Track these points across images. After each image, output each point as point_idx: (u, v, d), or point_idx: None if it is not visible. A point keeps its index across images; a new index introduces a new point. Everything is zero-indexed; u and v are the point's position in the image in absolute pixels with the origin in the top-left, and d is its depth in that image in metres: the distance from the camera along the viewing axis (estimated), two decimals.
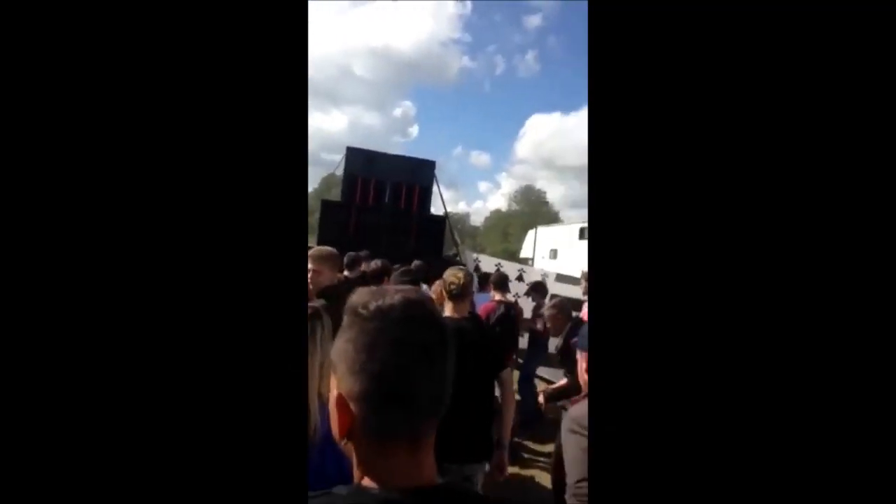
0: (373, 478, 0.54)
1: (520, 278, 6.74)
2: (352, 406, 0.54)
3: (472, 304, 2.80)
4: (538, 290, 5.04)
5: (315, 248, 2.46)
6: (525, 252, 17.41)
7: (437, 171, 8.61)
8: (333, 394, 0.56)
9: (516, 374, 4.17)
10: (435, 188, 8.57)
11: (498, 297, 3.95)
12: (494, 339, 2.41)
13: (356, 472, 0.56)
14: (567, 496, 1.34)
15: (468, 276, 2.95)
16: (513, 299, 4.67)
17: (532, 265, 11.74)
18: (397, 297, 0.56)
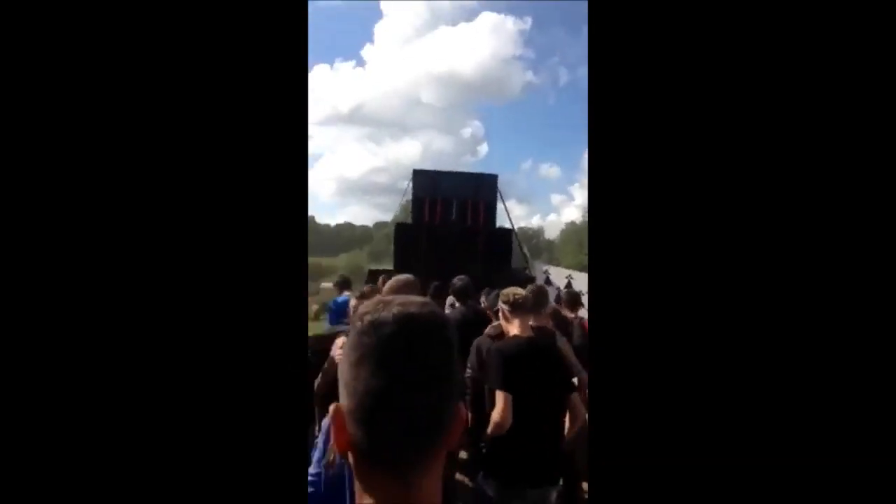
0: (367, 498, 0.52)
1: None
2: (346, 422, 0.52)
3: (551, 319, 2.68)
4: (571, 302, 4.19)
5: (394, 278, 2.32)
6: None
7: (506, 187, 8.63)
8: (332, 406, 0.55)
9: None
10: (499, 203, 8.59)
11: (570, 315, 3.73)
12: (557, 358, 2.26)
13: (356, 489, 0.54)
14: None
15: (538, 289, 2.86)
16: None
17: None
18: (393, 311, 0.53)
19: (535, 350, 2.07)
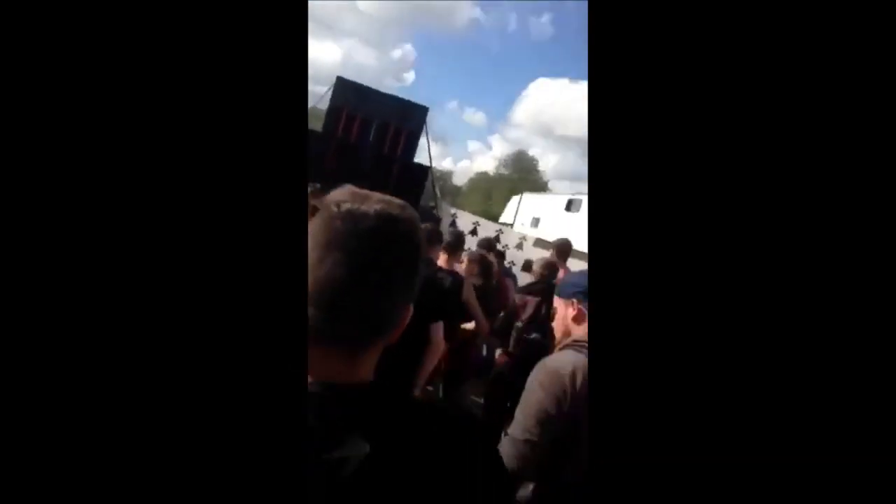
0: (311, 374, 0.55)
1: (497, 239, 6.57)
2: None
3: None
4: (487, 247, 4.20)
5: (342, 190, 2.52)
6: (506, 217, 17.33)
7: (427, 120, 8.19)
8: None
9: None
10: (423, 137, 8.16)
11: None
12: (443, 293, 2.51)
13: None
14: (504, 444, 1.20)
15: (456, 233, 3.02)
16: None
17: (512, 230, 11.64)
18: (376, 208, 0.55)
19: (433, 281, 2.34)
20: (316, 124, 8.13)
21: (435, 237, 2.63)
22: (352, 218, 0.53)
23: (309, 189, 3.69)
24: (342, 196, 0.55)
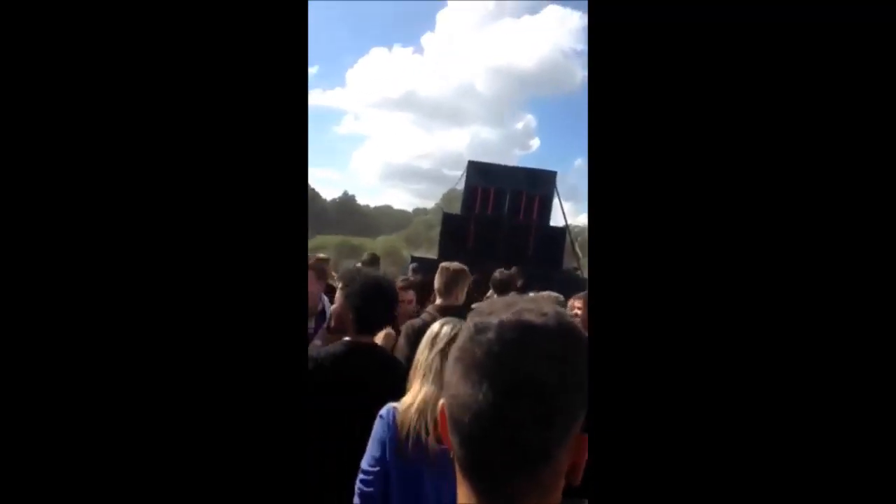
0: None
1: None
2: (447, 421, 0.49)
3: None
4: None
5: (446, 266, 2.30)
6: None
7: (557, 183, 8.34)
8: (441, 401, 0.50)
9: None
10: (555, 200, 8.29)
11: None
12: None
13: (458, 490, 0.49)
14: None
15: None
16: None
17: None
18: (503, 317, 0.46)
19: None
20: (456, 207, 8.79)
21: None
22: (479, 333, 0.46)
23: (411, 267, 3.76)
24: (480, 309, 0.50)
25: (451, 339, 1.21)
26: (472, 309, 0.55)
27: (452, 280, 2.22)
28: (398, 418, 1.28)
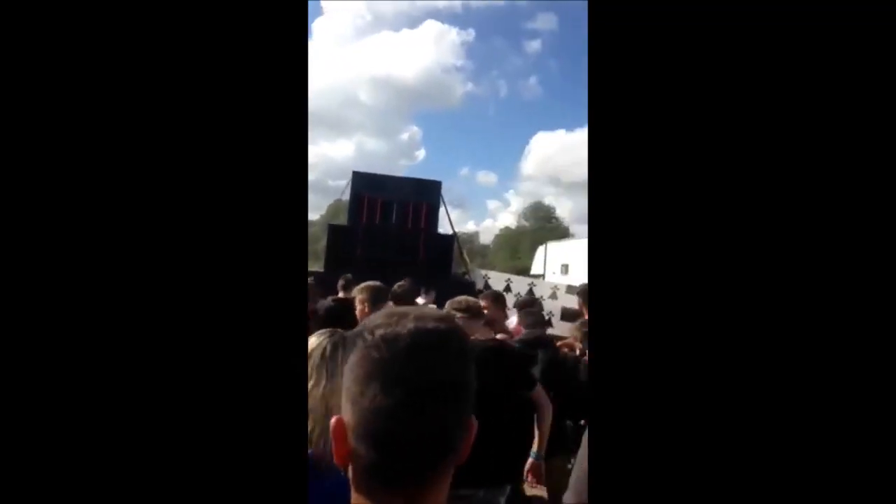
0: None
1: (530, 292, 6.61)
2: (348, 436, 0.50)
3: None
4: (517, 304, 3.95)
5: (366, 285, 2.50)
6: (536, 268, 17.26)
7: (444, 192, 8.60)
8: (333, 418, 0.52)
9: None
10: (442, 208, 8.53)
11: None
12: (518, 357, 2.37)
13: (353, 502, 0.51)
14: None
15: (495, 296, 2.86)
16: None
17: (543, 280, 11.59)
18: (409, 326, 0.50)
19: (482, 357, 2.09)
20: (342, 218, 8.61)
21: (477, 314, 2.46)
22: (385, 343, 0.49)
23: (340, 282, 3.84)
24: (374, 322, 0.52)
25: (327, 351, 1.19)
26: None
27: (376, 297, 2.48)
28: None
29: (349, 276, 3.92)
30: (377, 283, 2.55)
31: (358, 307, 2.63)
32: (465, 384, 0.51)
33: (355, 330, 0.54)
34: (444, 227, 8.90)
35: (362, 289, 2.58)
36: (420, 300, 3.62)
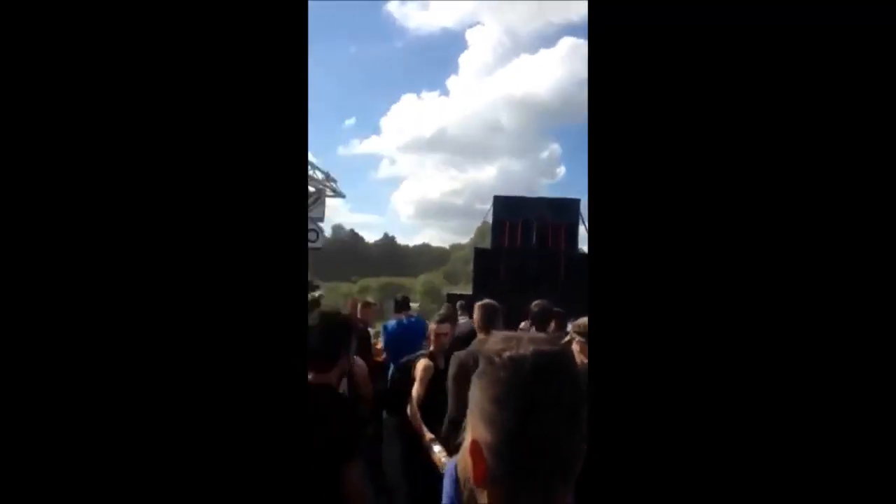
0: None
1: None
2: (485, 454, 0.53)
3: None
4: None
5: (482, 304, 2.41)
6: None
7: (582, 209, 8.47)
8: (468, 440, 0.55)
9: None
10: (582, 226, 8.39)
11: None
12: None
13: None
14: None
15: None
16: None
17: None
18: (529, 349, 0.54)
19: None
20: (488, 241, 9.00)
21: None
22: (513, 364, 0.53)
23: (459, 304, 3.87)
24: (495, 346, 0.55)
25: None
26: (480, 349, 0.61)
27: (488, 316, 2.37)
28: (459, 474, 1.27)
29: (462, 302, 3.98)
30: (491, 301, 2.46)
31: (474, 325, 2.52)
32: (582, 405, 0.54)
33: (480, 351, 0.58)
34: (584, 246, 8.71)
35: (477, 307, 2.48)
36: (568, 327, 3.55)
